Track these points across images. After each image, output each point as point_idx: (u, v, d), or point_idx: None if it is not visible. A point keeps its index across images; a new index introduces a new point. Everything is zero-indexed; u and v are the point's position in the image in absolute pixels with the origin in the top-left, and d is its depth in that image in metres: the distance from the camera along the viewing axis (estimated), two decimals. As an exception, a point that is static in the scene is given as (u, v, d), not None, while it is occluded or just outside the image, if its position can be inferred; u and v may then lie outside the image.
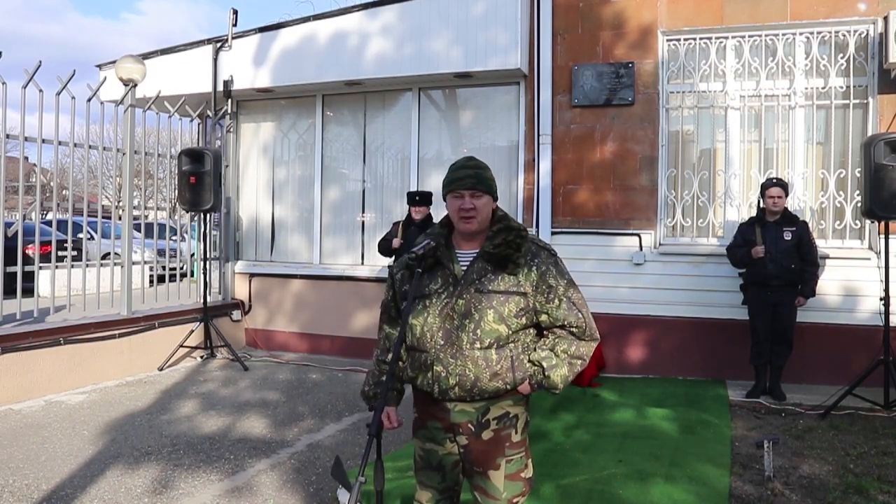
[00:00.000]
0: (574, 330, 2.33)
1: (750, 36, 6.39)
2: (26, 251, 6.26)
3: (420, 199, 6.28)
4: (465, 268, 2.33)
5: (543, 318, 2.33)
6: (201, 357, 7.37)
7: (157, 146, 8.43)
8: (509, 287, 2.27)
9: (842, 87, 6.24)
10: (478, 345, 2.24)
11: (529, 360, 2.32)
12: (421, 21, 7.02)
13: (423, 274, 2.31)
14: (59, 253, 7.32)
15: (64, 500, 3.72)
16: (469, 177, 2.31)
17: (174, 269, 8.09)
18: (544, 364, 2.30)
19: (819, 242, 5.93)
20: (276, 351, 7.93)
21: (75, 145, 6.64)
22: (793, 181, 6.31)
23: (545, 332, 2.38)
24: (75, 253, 7.75)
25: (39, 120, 6.15)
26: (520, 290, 2.27)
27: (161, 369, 6.86)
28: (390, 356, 2.41)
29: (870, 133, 5.91)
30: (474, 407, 2.30)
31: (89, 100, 6.72)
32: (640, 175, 6.63)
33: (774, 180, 5.66)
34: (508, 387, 2.28)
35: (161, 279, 8.31)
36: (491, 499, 2.34)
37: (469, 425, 2.31)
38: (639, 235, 6.61)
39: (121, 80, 6.81)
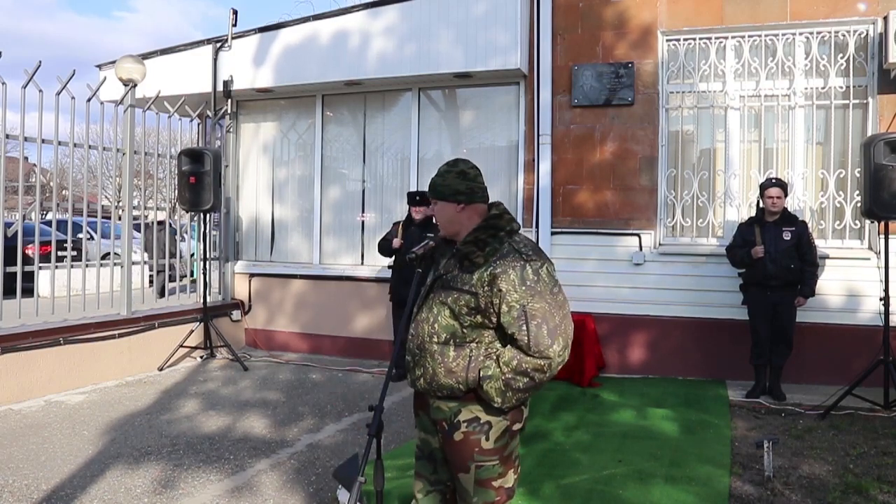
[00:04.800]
0: (519, 343, 2.20)
1: (750, 36, 6.40)
2: (26, 251, 6.26)
3: (420, 199, 6.28)
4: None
5: (502, 320, 2.24)
6: (201, 357, 7.37)
7: (157, 146, 8.44)
8: (463, 285, 2.26)
9: (842, 87, 6.24)
10: (435, 339, 2.29)
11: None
12: (421, 21, 7.02)
13: (423, 272, 2.40)
14: (59, 253, 7.33)
15: (64, 500, 3.72)
16: (430, 185, 2.41)
17: (174, 268, 8.09)
18: (481, 373, 2.23)
19: (819, 242, 5.93)
20: (276, 351, 7.93)
21: (75, 145, 6.64)
22: (793, 181, 6.31)
23: None
24: (75, 253, 7.75)
25: (39, 120, 6.15)
26: (471, 289, 2.23)
27: (161, 369, 6.86)
28: None
29: (870, 133, 5.91)
30: (448, 406, 2.31)
31: (89, 100, 6.72)
32: (640, 175, 6.63)
33: (773, 180, 5.67)
34: (461, 386, 2.24)
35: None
36: (463, 501, 2.38)
37: (444, 423, 2.33)
38: (639, 235, 6.61)
39: (120, 80, 6.81)
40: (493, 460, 2.30)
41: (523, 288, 2.20)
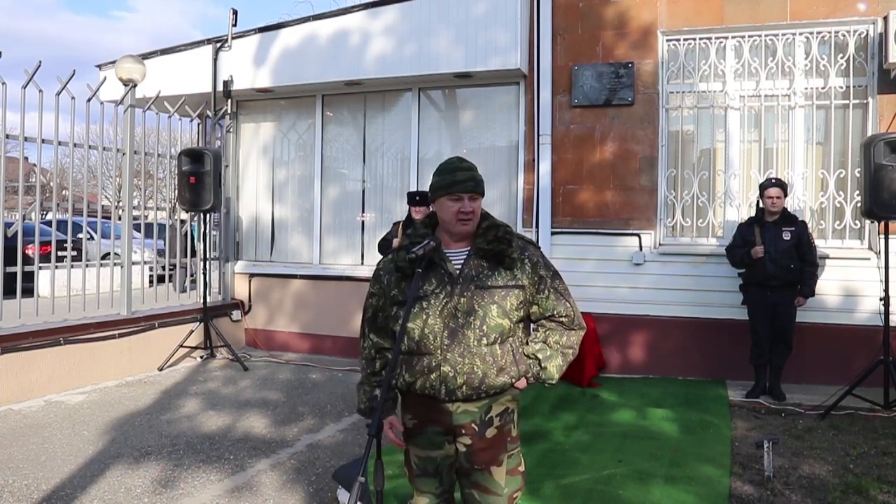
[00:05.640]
0: (563, 320, 2.39)
1: (750, 36, 6.40)
2: (26, 251, 6.26)
3: (420, 199, 6.28)
4: (458, 266, 2.33)
5: (534, 309, 2.38)
6: (201, 357, 7.37)
7: (157, 146, 8.42)
8: (507, 281, 2.30)
9: (842, 87, 6.24)
10: (485, 341, 2.26)
11: (524, 354, 2.36)
12: (421, 21, 7.02)
13: (419, 275, 2.27)
14: (59, 253, 7.32)
15: (64, 500, 3.72)
16: (469, 180, 2.32)
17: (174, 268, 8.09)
18: (540, 356, 2.35)
19: (819, 242, 5.94)
20: (276, 351, 7.93)
21: (75, 145, 6.64)
22: (793, 181, 6.32)
23: (534, 325, 2.43)
24: (75, 253, 7.75)
25: (39, 120, 6.15)
26: (518, 283, 2.31)
27: (161, 369, 6.86)
28: (378, 364, 2.44)
29: (870, 133, 5.91)
30: (477, 406, 2.31)
31: (89, 100, 6.71)
32: (640, 175, 6.63)
33: (773, 180, 5.67)
34: (514, 380, 2.32)
35: (161, 279, 8.32)
36: (493, 495, 2.35)
37: (472, 425, 2.32)
38: (639, 235, 6.61)
39: (121, 80, 6.81)
40: (518, 445, 2.43)
41: (550, 272, 2.40)
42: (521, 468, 2.44)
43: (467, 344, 2.25)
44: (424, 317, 2.28)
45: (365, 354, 2.48)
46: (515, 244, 2.35)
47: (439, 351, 2.26)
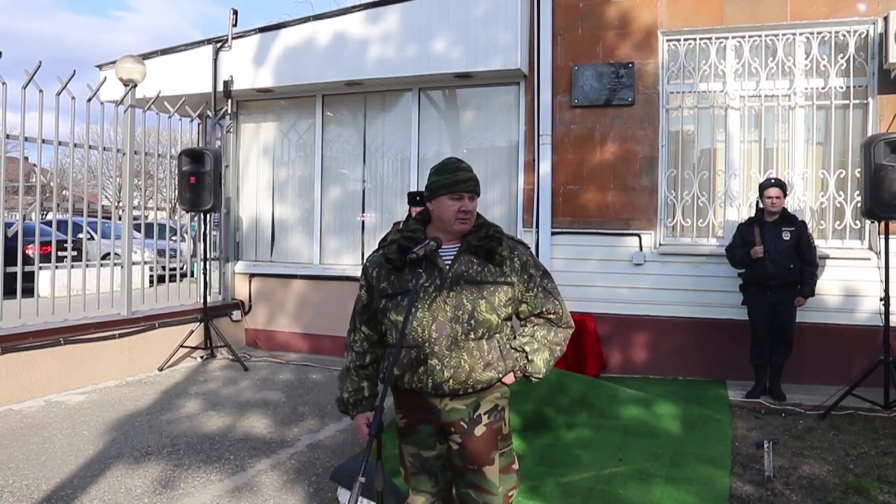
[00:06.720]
0: (552, 317, 2.44)
1: (750, 36, 6.40)
2: (26, 251, 6.26)
3: (421, 199, 6.26)
4: (448, 262, 2.36)
5: (523, 307, 2.43)
6: (201, 357, 7.37)
7: (157, 146, 8.42)
8: (496, 278, 2.34)
9: (842, 88, 6.24)
10: (472, 335, 2.29)
11: (512, 347, 2.40)
12: (421, 21, 7.02)
13: (413, 271, 2.30)
14: (59, 253, 7.33)
15: (64, 500, 3.72)
16: (471, 180, 2.38)
17: (174, 269, 8.09)
18: (527, 349, 2.39)
19: (819, 242, 5.94)
20: (277, 351, 7.93)
21: (75, 145, 6.64)
22: (793, 181, 6.32)
23: (522, 322, 2.48)
24: (75, 253, 7.75)
25: (39, 120, 6.15)
26: (507, 280, 2.35)
27: (161, 369, 6.86)
28: (368, 358, 2.50)
29: (870, 133, 5.92)
30: (465, 403, 2.33)
31: (89, 100, 6.71)
32: (641, 175, 6.63)
33: (773, 180, 5.67)
34: (501, 375, 2.35)
35: (161, 279, 8.32)
36: (487, 494, 2.36)
37: (461, 423, 2.33)
38: (639, 236, 6.61)
39: (121, 80, 6.81)
40: (510, 443, 2.44)
41: (540, 271, 2.44)
42: (515, 466, 2.45)
43: (455, 338, 2.28)
44: (413, 310, 2.29)
45: (356, 348, 2.52)
46: (505, 243, 2.40)
47: (427, 344, 2.28)
